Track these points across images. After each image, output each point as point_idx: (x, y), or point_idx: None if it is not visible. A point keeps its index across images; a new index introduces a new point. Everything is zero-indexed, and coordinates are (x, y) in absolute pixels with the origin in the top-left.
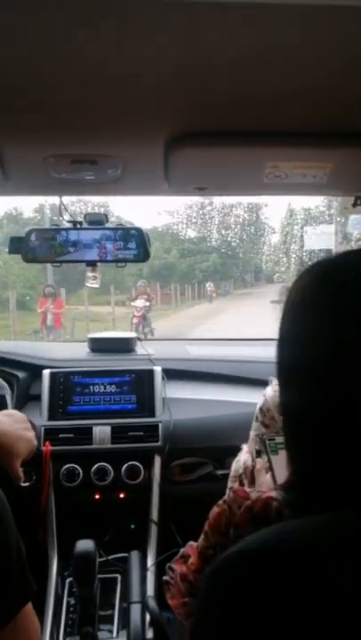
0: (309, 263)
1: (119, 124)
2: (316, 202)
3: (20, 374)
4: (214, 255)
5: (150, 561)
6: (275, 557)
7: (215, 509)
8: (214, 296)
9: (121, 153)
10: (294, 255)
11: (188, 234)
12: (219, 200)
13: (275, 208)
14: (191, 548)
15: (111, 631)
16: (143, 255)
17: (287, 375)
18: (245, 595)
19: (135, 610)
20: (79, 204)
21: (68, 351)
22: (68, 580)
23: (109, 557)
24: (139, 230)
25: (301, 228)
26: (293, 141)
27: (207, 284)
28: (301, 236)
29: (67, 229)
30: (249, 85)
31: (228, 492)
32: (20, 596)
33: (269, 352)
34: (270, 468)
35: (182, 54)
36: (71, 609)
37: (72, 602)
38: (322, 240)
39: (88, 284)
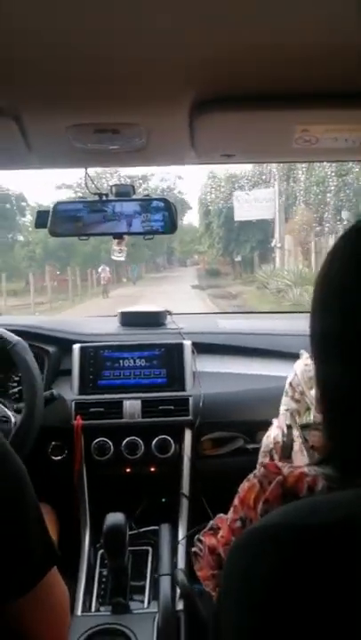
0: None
1: (141, 90)
2: (245, 168)
3: (51, 349)
4: None
5: (181, 534)
6: (299, 532)
7: (245, 484)
8: (103, 283)
9: (144, 121)
10: (218, 231)
11: None
12: (127, 171)
13: (191, 181)
14: (221, 520)
15: (142, 601)
16: (170, 226)
17: (321, 348)
18: (267, 570)
19: (165, 582)
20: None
21: (99, 325)
22: (100, 552)
23: (140, 530)
24: (166, 201)
25: (230, 194)
26: (323, 103)
27: (100, 269)
28: (228, 209)
29: (93, 202)
30: (277, 44)
31: (258, 466)
32: (45, 560)
33: (301, 325)
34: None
35: (205, 13)
36: (103, 580)
37: (104, 573)
38: (258, 208)
39: (114, 257)
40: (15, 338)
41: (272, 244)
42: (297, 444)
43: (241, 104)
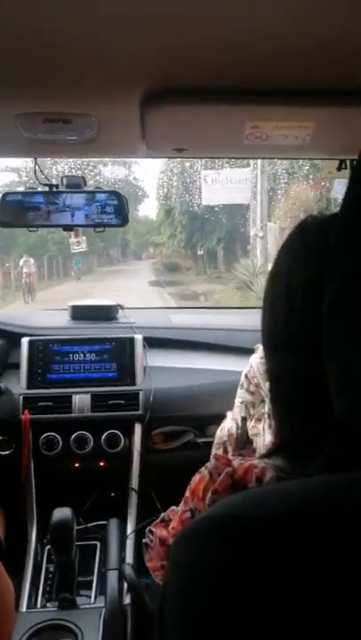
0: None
1: (92, 79)
2: None
3: None
4: None
5: (130, 528)
6: (245, 523)
7: (196, 476)
8: (25, 281)
9: (95, 111)
10: (181, 218)
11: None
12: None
13: (149, 164)
14: (173, 512)
15: (89, 596)
16: (122, 219)
17: (270, 342)
18: (212, 561)
19: (112, 576)
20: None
21: (49, 319)
22: (47, 548)
23: (88, 525)
24: (117, 194)
25: (196, 175)
26: (273, 100)
27: (21, 261)
28: (193, 192)
29: (43, 192)
30: (229, 39)
31: (211, 459)
32: None
33: (254, 320)
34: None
35: (159, 4)
36: (50, 575)
37: (51, 568)
38: (230, 190)
39: (73, 250)
40: None
41: (251, 234)
42: (258, 443)
43: (192, 98)
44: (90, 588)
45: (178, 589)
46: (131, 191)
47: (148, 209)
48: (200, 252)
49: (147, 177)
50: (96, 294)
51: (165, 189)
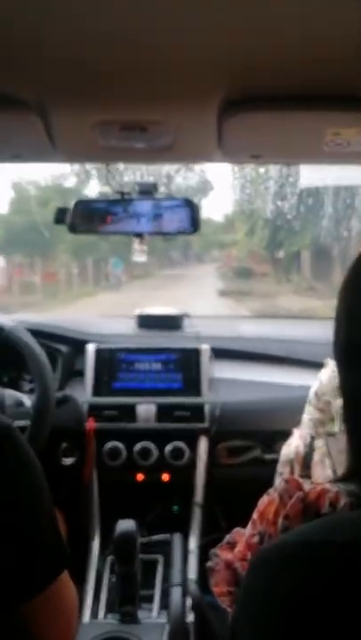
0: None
1: (171, 87)
2: None
3: (64, 349)
4: None
5: (193, 544)
6: (320, 550)
7: (265, 498)
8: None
9: (172, 119)
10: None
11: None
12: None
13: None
14: (238, 534)
15: (151, 611)
16: (193, 227)
17: (346, 356)
18: (285, 590)
19: (176, 593)
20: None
21: (115, 326)
22: (109, 559)
23: (151, 538)
24: (189, 201)
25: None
26: (356, 106)
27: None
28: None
29: (114, 201)
30: (309, 45)
31: (276, 477)
32: (56, 562)
33: (326, 332)
34: (331, 463)
35: (236, 12)
36: (112, 587)
37: (113, 580)
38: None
39: (135, 258)
40: (8, 323)
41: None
42: (318, 455)
43: (271, 105)
44: (152, 603)
45: (250, 617)
46: (198, 184)
47: (213, 205)
48: (280, 256)
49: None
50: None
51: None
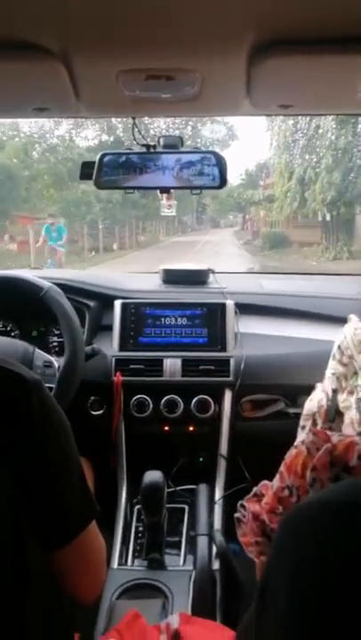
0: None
1: (197, 33)
2: None
3: (92, 304)
4: None
5: (218, 494)
6: (354, 510)
7: (293, 450)
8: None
9: (199, 66)
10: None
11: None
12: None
13: None
14: (265, 487)
15: (178, 556)
16: (220, 181)
17: None
18: (319, 550)
19: (202, 542)
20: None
21: (141, 282)
22: (136, 508)
23: (177, 488)
24: (216, 154)
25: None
26: None
27: None
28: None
29: (140, 153)
30: None
31: (299, 430)
32: (85, 513)
33: (350, 288)
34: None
35: None
36: (139, 535)
37: (140, 528)
38: None
39: (163, 213)
40: (47, 284)
41: None
42: (348, 417)
43: (301, 50)
44: (178, 550)
45: (286, 576)
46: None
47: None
48: (328, 219)
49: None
50: None
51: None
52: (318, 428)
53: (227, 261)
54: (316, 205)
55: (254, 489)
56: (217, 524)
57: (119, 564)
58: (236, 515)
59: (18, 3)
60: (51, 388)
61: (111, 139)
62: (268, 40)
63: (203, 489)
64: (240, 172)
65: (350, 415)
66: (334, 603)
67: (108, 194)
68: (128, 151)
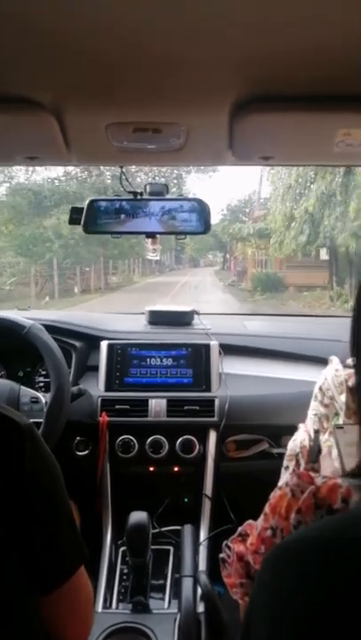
0: None
1: (183, 89)
2: None
3: (78, 344)
4: None
5: (203, 535)
6: (337, 547)
7: (277, 492)
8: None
9: (185, 120)
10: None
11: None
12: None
13: None
14: (250, 526)
15: (163, 600)
16: (204, 227)
17: None
18: (301, 585)
19: (187, 583)
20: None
21: (127, 323)
22: (121, 550)
23: (162, 529)
24: (200, 202)
25: None
26: None
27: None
28: None
29: (127, 200)
30: (318, 45)
31: (282, 470)
32: (76, 557)
33: (331, 330)
34: (339, 456)
35: (247, 14)
36: (124, 577)
37: (125, 570)
38: None
39: (148, 257)
40: (28, 322)
41: None
42: (325, 448)
43: (281, 105)
44: (163, 593)
45: (266, 611)
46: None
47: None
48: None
49: None
50: None
51: None
52: (301, 468)
53: (211, 309)
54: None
55: (239, 529)
56: (202, 565)
57: (104, 608)
58: (221, 555)
59: (10, 59)
60: (38, 424)
61: (78, 169)
62: (249, 96)
63: (188, 530)
64: (220, 207)
65: (326, 449)
66: (315, 638)
67: (70, 229)
68: (116, 197)
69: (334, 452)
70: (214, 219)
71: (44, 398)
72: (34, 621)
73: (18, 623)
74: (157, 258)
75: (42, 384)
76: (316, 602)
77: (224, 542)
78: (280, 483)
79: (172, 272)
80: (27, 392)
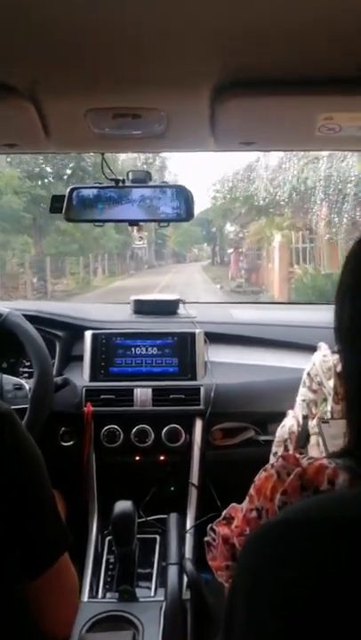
0: None
1: (162, 74)
2: None
3: (62, 334)
4: None
5: (189, 523)
6: (322, 527)
7: (262, 474)
8: None
9: (165, 106)
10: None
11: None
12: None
13: None
14: (234, 509)
15: (149, 589)
16: (187, 214)
17: (348, 338)
18: (285, 567)
19: (173, 571)
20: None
21: (111, 312)
22: (107, 539)
23: (149, 518)
24: (182, 188)
25: None
26: (348, 89)
27: None
28: None
29: (109, 187)
30: (300, 29)
31: (271, 457)
32: (59, 543)
33: (318, 317)
34: (325, 448)
35: None
36: (110, 567)
37: (111, 560)
38: None
39: (135, 245)
40: (5, 309)
41: None
42: (313, 438)
43: (262, 90)
44: (150, 581)
45: (248, 593)
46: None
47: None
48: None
49: None
50: None
51: None
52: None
53: None
54: None
55: (223, 512)
56: (188, 553)
57: (90, 597)
58: (206, 538)
59: None
60: (23, 412)
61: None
62: (229, 81)
63: (174, 518)
64: (211, 181)
65: (314, 439)
66: (290, 616)
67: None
68: (98, 185)
69: (321, 444)
70: (202, 202)
71: (27, 385)
72: (20, 608)
73: (4, 610)
74: (144, 246)
75: (26, 374)
76: (299, 580)
77: (209, 526)
78: (266, 465)
79: (151, 269)
80: (9, 380)
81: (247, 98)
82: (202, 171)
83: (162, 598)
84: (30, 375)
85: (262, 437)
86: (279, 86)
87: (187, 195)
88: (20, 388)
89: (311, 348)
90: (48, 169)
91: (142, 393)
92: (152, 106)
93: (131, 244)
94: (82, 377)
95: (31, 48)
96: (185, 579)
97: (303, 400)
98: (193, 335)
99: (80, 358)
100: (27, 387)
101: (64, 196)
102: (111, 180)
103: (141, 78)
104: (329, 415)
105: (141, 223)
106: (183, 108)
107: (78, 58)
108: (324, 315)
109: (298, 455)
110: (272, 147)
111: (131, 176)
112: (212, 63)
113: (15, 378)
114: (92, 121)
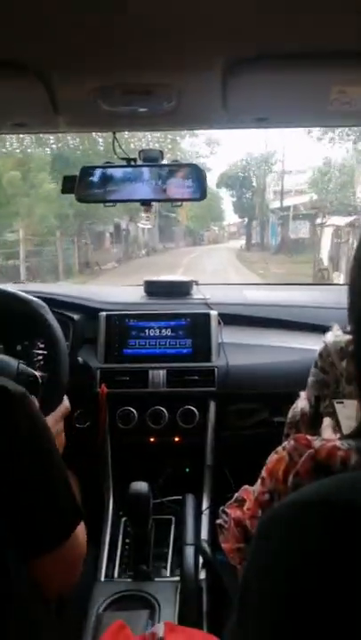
0: None
1: (173, 48)
2: None
3: (76, 316)
4: None
5: (205, 504)
6: (336, 509)
7: (274, 456)
8: None
9: (176, 81)
10: None
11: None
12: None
13: None
14: (246, 492)
15: (165, 568)
16: (200, 193)
17: None
18: (297, 549)
19: (189, 552)
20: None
21: (124, 294)
22: (123, 520)
23: (164, 499)
24: (195, 167)
25: None
26: None
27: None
28: None
29: (121, 167)
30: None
31: (283, 438)
32: (72, 518)
33: (331, 297)
34: (339, 428)
35: None
36: (126, 547)
37: (127, 540)
38: None
39: (140, 225)
40: (30, 297)
41: None
42: (327, 420)
43: (275, 63)
44: (165, 562)
45: (262, 575)
46: None
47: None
48: None
49: None
50: None
51: None
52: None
53: None
54: None
55: (235, 494)
56: (204, 534)
57: (106, 577)
58: (218, 521)
59: None
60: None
61: None
62: (242, 55)
63: (189, 499)
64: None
65: (327, 421)
66: (301, 598)
67: None
68: (109, 165)
69: (336, 425)
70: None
71: (40, 378)
72: (31, 587)
73: (15, 589)
74: (150, 226)
75: (41, 359)
76: (301, 562)
77: (221, 508)
78: (278, 448)
79: (150, 258)
80: (25, 370)
81: (260, 71)
82: None
83: (177, 578)
84: (44, 362)
85: (276, 418)
86: (292, 60)
87: (200, 173)
88: (34, 379)
89: (323, 329)
90: None
91: (156, 374)
92: (163, 81)
93: (115, 216)
94: (96, 359)
95: (40, 25)
96: (200, 559)
97: (315, 381)
98: (207, 316)
99: (94, 340)
100: (40, 380)
101: (75, 176)
102: (123, 159)
103: (151, 54)
104: (341, 396)
105: (153, 203)
106: (195, 84)
107: (88, 34)
108: (336, 295)
109: (309, 437)
110: (286, 123)
111: (143, 155)
112: (223, 37)
113: (30, 369)
114: (101, 98)
